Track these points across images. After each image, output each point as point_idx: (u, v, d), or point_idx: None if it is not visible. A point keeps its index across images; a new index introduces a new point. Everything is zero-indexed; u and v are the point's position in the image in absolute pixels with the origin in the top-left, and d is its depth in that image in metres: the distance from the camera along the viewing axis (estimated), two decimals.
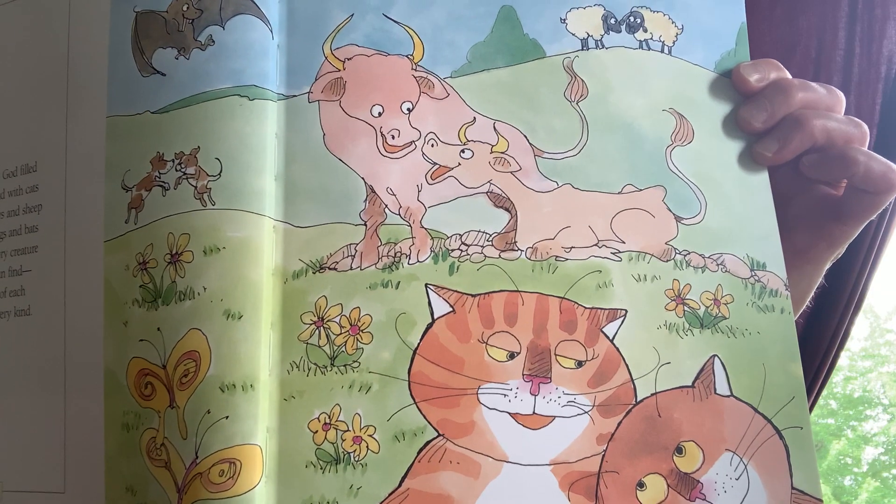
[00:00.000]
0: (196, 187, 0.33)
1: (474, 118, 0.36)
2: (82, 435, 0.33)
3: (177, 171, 0.34)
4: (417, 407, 0.32)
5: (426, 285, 0.34)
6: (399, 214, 0.35)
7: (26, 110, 0.37)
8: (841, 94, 0.40)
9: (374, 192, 0.35)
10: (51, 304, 0.35)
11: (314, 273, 0.34)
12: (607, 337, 0.34)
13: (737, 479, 0.33)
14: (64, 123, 0.36)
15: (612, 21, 0.39)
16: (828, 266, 0.42)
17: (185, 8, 0.35)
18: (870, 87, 1.38)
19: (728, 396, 0.34)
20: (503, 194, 0.36)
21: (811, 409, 1.43)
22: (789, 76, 0.39)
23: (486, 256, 0.34)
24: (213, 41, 0.35)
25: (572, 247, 0.35)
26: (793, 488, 0.33)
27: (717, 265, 0.36)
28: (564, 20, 0.38)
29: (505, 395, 0.33)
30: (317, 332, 0.33)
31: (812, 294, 0.42)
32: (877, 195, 0.39)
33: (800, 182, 0.41)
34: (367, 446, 0.32)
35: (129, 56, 0.35)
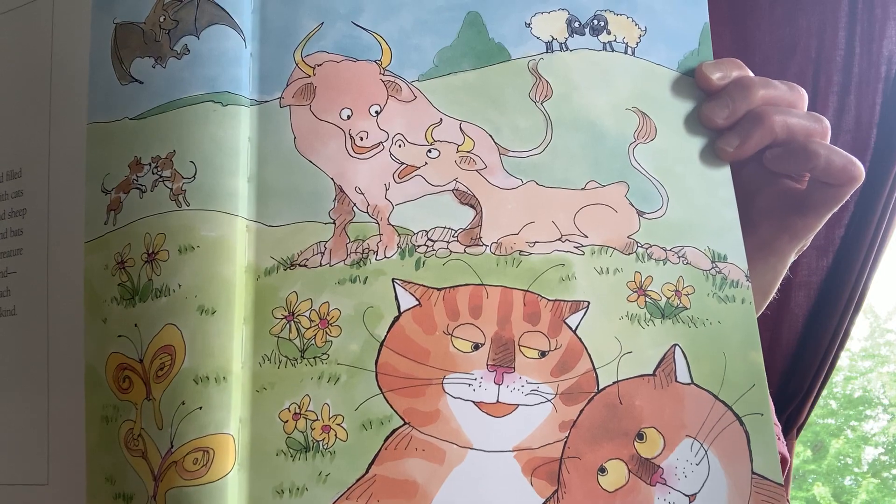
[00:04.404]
0: (172, 189, 0.35)
1: (441, 119, 0.38)
2: (65, 429, 0.35)
3: (153, 174, 0.35)
4: (384, 396, 0.33)
5: (393, 280, 0.35)
6: (367, 212, 0.36)
7: (11, 118, 0.39)
8: (803, 91, 0.41)
9: (343, 191, 0.36)
10: (35, 304, 0.36)
11: (285, 270, 0.35)
12: (570, 328, 0.35)
13: (697, 465, 0.34)
14: (47, 131, 0.38)
15: (576, 24, 0.40)
16: (793, 258, 0.43)
17: (161, 19, 0.37)
18: (870, 87, 1.39)
19: (689, 384, 0.35)
20: (469, 192, 0.37)
21: (811, 409, 1.43)
22: (751, 74, 0.41)
23: (451, 252, 0.36)
24: (189, 50, 0.36)
25: (536, 241, 0.36)
26: (753, 473, 0.34)
27: (679, 257, 0.37)
28: (529, 24, 0.40)
29: (469, 385, 0.34)
30: (288, 326, 0.34)
31: (778, 286, 0.43)
32: (838, 188, 0.40)
33: (765, 176, 0.42)
34: (336, 435, 0.33)
35: (108, 65, 0.37)
